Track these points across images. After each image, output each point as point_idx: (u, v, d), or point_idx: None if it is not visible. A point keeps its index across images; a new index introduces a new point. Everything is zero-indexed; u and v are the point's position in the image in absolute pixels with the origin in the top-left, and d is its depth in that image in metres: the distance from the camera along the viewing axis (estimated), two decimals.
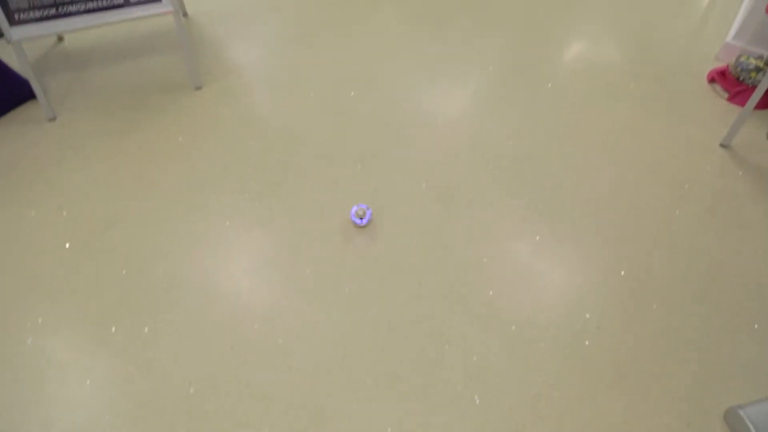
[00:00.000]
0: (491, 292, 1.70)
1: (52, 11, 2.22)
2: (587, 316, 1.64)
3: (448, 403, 1.45)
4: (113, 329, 1.62)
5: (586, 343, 1.58)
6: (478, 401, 1.46)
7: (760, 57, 2.51)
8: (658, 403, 1.48)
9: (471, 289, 1.70)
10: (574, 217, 1.94)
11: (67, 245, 1.87)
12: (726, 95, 2.55)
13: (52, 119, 2.41)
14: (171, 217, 1.96)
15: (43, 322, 1.65)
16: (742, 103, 2.48)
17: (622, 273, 1.76)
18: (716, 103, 2.53)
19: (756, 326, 1.63)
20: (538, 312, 1.65)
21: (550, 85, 2.62)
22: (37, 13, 2.20)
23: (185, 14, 3.19)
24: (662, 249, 1.83)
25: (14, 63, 2.60)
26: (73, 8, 2.25)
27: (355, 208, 1.82)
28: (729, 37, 2.77)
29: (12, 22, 2.16)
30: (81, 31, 2.46)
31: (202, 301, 1.69)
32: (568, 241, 1.85)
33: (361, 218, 1.78)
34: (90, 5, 2.27)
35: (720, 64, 2.76)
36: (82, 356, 1.57)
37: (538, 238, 1.85)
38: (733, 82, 2.53)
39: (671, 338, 1.60)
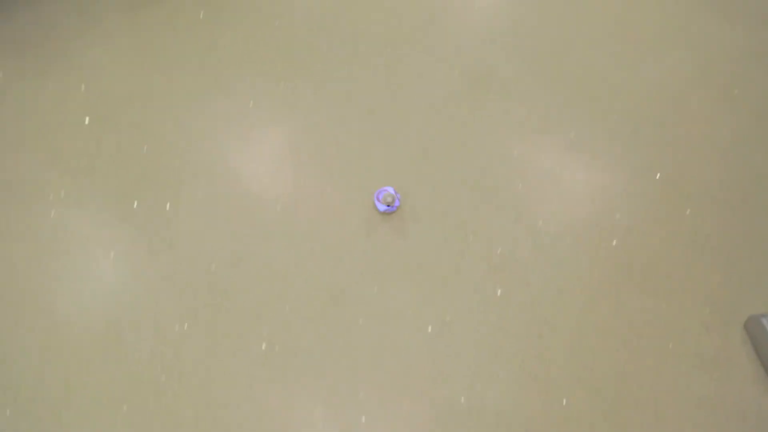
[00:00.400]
0: (520, 186, 1.64)
1: None
2: (617, 216, 1.59)
3: (470, 293, 1.45)
4: (135, 204, 1.61)
5: (614, 242, 1.54)
6: (500, 293, 1.45)
7: None
8: (679, 307, 1.47)
9: (499, 182, 1.65)
10: (614, 115, 1.83)
11: (87, 120, 1.83)
12: None
13: None
14: (193, 95, 1.89)
15: (66, 195, 1.65)
16: None
17: (658, 176, 1.68)
18: None
19: None
20: (567, 208, 1.60)
21: None
22: None
23: None
24: (702, 155, 1.74)
25: None
26: None
27: (382, 193, 1.55)
28: None
29: None
30: None
31: (225, 180, 1.66)
32: (604, 140, 1.76)
33: (389, 205, 1.53)
34: None
35: None
36: (105, 230, 1.57)
37: (573, 134, 1.76)
38: None
39: (701, 244, 1.55)
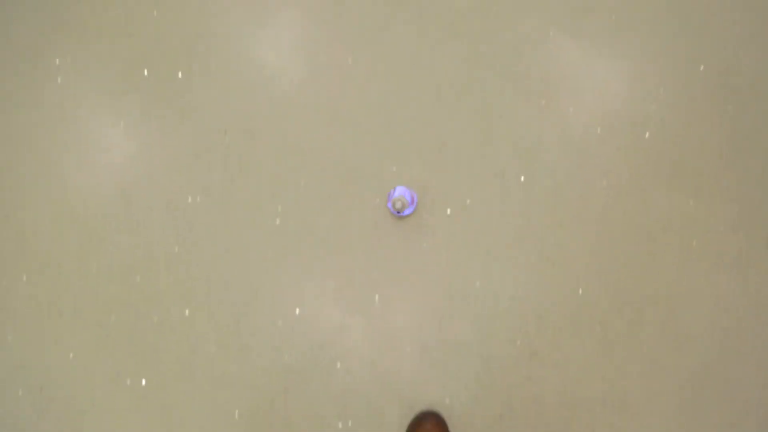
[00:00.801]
0: (551, 70, 1.54)
1: None
2: (653, 107, 1.50)
3: (492, 178, 1.39)
4: (145, 72, 1.53)
5: (647, 135, 1.46)
6: (523, 179, 1.40)
7: None
8: (708, 206, 1.41)
9: (529, 65, 1.54)
10: None
11: None
12: None
13: None
14: None
15: (72, 61, 1.56)
16: None
17: (702, 68, 1.57)
18: None
19: None
20: (600, 97, 1.51)
21: None
22: None
23: None
24: (754, 48, 1.62)
25: None
26: None
27: (393, 194, 1.35)
28: None
29: None
30: None
31: (240, 49, 1.57)
32: (645, 24, 1.63)
33: (399, 211, 1.30)
34: None
35: None
36: (114, 98, 1.51)
37: (614, 17, 1.63)
38: None
39: (738, 142, 1.47)
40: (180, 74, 1.52)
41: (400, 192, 1.35)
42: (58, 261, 1.44)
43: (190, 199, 1.42)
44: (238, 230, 1.40)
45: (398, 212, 1.31)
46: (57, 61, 1.57)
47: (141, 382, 1.39)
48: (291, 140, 1.44)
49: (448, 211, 1.37)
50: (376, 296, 1.35)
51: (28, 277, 1.45)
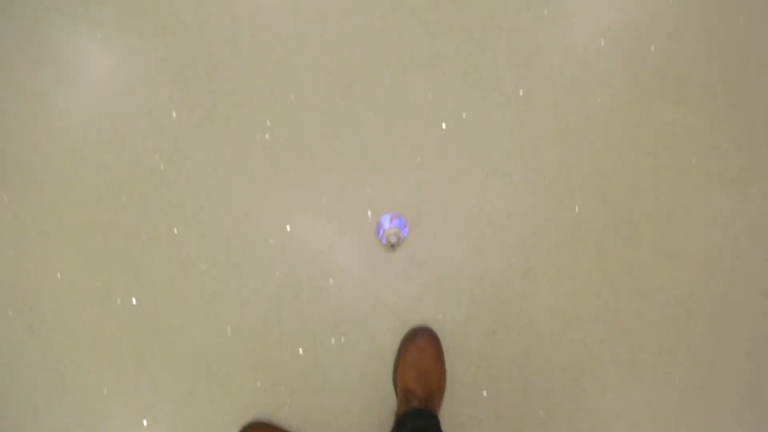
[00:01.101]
0: None
1: None
2: (660, 20, 1.43)
3: (490, 90, 1.34)
4: None
5: (652, 48, 1.40)
6: (521, 93, 1.34)
7: None
8: (711, 124, 1.37)
9: None
10: None
11: None
12: None
13: None
14: None
15: None
16: None
17: None
18: None
19: None
20: (604, 6, 1.43)
21: None
22: None
23: None
24: None
25: None
26: None
27: (381, 231, 1.27)
28: None
29: None
30: None
31: None
32: None
33: (392, 246, 1.24)
34: None
35: None
36: (88, 7, 1.41)
37: None
38: None
39: (746, 58, 1.42)
40: None
41: (388, 224, 1.26)
42: (39, 180, 1.39)
43: (174, 114, 1.36)
44: (225, 146, 1.35)
45: (393, 246, 1.24)
46: None
47: (131, 301, 1.37)
48: (279, 51, 1.36)
49: (444, 125, 1.32)
50: (369, 212, 1.32)
51: (10, 197, 1.40)
